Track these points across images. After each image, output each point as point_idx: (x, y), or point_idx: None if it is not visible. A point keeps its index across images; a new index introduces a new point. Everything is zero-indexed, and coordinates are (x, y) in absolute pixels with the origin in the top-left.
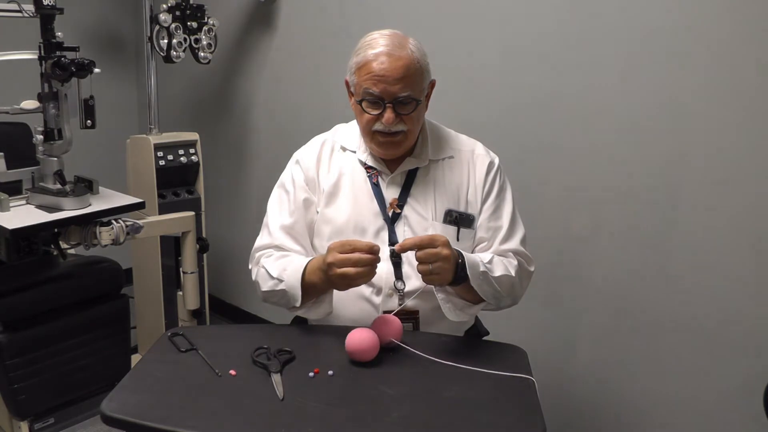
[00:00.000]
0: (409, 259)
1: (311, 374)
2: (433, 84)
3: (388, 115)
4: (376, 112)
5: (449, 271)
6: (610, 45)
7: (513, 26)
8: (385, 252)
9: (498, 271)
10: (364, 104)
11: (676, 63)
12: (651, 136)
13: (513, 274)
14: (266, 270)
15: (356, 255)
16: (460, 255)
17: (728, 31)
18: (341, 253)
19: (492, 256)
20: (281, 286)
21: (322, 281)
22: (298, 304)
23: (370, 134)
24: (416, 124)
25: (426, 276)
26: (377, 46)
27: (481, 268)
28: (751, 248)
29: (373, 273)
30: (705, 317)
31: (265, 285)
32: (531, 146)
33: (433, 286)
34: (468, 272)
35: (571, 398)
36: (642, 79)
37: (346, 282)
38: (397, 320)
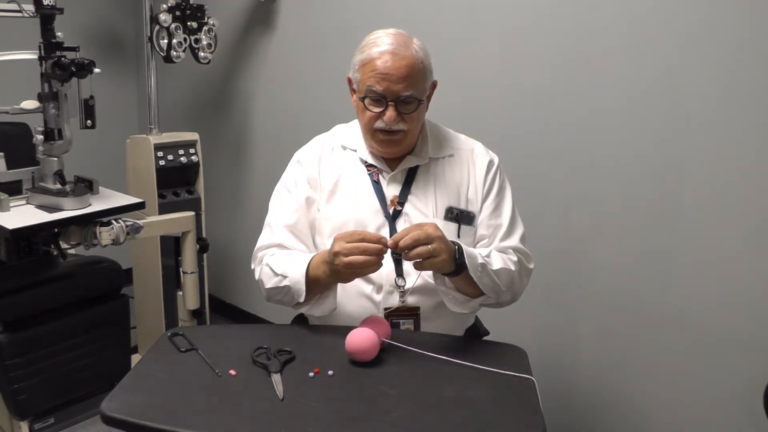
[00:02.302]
0: None
1: (311, 374)
2: (434, 85)
3: (390, 113)
4: (378, 110)
5: (447, 253)
6: (611, 45)
7: (513, 27)
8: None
9: (497, 265)
10: (366, 101)
11: (676, 65)
12: (651, 136)
13: (513, 268)
14: (270, 267)
15: (364, 244)
16: (457, 244)
17: (730, 33)
18: (349, 243)
19: (490, 250)
20: (285, 282)
21: (326, 275)
22: (302, 299)
23: (371, 132)
24: (416, 124)
25: (427, 259)
26: (382, 44)
27: (480, 260)
28: (752, 248)
29: (379, 264)
30: (705, 317)
31: (269, 282)
32: (531, 146)
33: (433, 282)
34: (466, 261)
35: (571, 398)
36: (643, 80)
37: (353, 271)
38: (384, 320)
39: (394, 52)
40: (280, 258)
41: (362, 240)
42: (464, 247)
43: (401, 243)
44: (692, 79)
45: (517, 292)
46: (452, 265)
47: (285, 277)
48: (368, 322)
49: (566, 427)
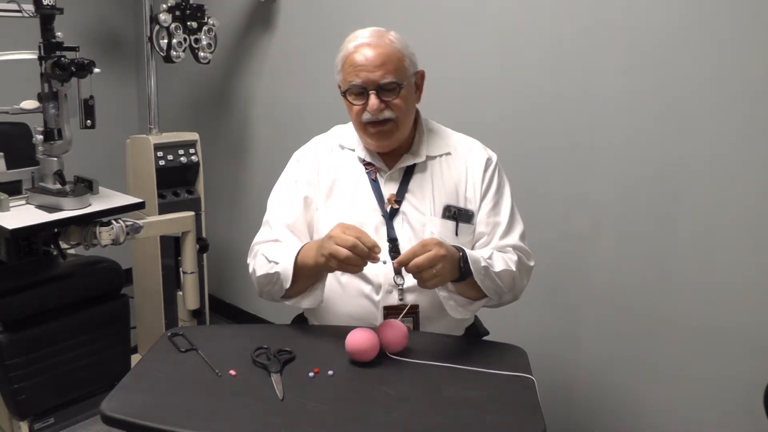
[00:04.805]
0: None
1: (311, 374)
2: (422, 75)
3: (372, 101)
4: (361, 102)
5: (451, 269)
6: (611, 46)
7: (514, 28)
8: (384, 249)
9: (498, 266)
10: (349, 96)
11: (676, 65)
12: (651, 137)
13: (513, 268)
14: (265, 256)
15: (358, 243)
16: (461, 249)
17: (728, 32)
18: (345, 234)
19: (491, 251)
20: (276, 269)
21: (314, 262)
22: (287, 285)
23: (361, 126)
24: (404, 111)
25: (431, 280)
26: (357, 39)
27: (483, 263)
28: (751, 248)
29: (362, 267)
30: (705, 317)
31: (262, 270)
32: (532, 147)
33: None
34: (471, 267)
35: (571, 398)
36: (642, 80)
37: (336, 262)
38: (403, 327)
39: (368, 43)
40: (275, 248)
41: (358, 237)
42: (468, 252)
43: (406, 270)
44: (692, 79)
45: (518, 292)
46: (456, 274)
47: (276, 263)
48: (387, 327)
49: (566, 427)
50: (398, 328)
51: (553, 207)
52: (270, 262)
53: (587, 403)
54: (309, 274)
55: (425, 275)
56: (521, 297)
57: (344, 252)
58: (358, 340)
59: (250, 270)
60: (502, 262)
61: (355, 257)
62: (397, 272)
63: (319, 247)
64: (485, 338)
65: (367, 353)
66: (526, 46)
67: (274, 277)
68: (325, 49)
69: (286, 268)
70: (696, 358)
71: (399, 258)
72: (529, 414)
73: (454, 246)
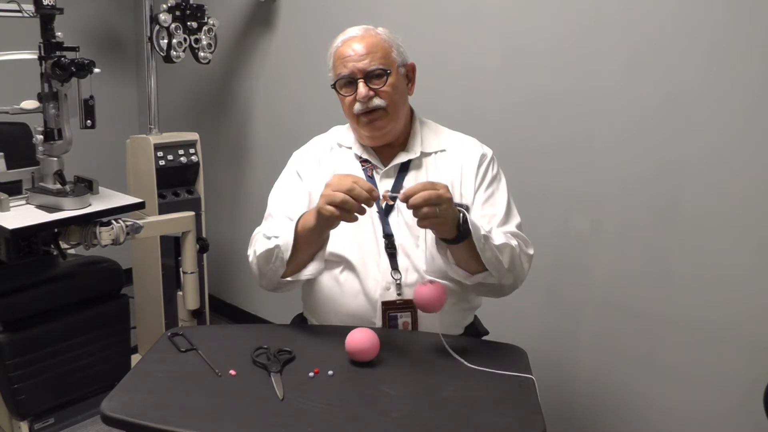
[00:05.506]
0: (404, 249)
1: (311, 374)
2: (413, 67)
3: (361, 88)
4: (351, 93)
5: (452, 219)
6: (611, 48)
7: (514, 29)
8: (380, 245)
9: (498, 240)
10: (340, 89)
11: (676, 65)
12: (651, 138)
13: (514, 245)
14: (264, 234)
15: (355, 186)
16: (462, 211)
17: (729, 34)
18: (343, 181)
19: (491, 227)
20: (276, 242)
21: (315, 221)
22: (288, 254)
23: (354, 118)
24: (394, 99)
25: (430, 219)
26: (346, 34)
27: (483, 232)
28: (751, 248)
29: (356, 215)
30: (704, 317)
31: (262, 248)
32: (532, 148)
33: (429, 277)
34: (470, 228)
35: (571, 398)
36: (643, 80)
37: (332, 208)
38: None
39: (355, 36)
40: (275, 229)
41: (355, 182)
42: (469, 216)
43: (411, 201)
44: (693, 79)
45: (518, 276)
46: (453, 231)
47: (276, 237)
48: (428, 290)
49: (566, 426)
50: (435, 286)
51: (553, 207)
52: (270, 238)
53: (587, 403)
54: (309, 238)
55: (427, 211)
56: (521, 298)
57: (341, 195)
58: (358, 340)
59: (250, 258)
60: (503, 237)
61: (352, 201)
62: (394, 268)
63: (317, 206)
64: (485, 338)
65: (367, 353)
66: (526, 46)
67: (274, 252)
68: (325, 49)
69: (286, 238)
70: (696, 359)
71: (405, 190)
72: (529, 414)
73: (458, 205)
